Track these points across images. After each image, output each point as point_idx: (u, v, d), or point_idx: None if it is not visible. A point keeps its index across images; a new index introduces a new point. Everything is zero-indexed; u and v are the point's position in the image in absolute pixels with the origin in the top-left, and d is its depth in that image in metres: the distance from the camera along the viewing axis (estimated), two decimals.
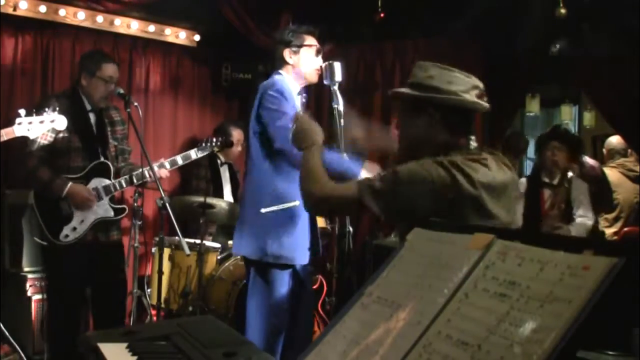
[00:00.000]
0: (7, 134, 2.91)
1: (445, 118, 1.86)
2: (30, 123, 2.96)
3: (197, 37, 5.21)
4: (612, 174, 4.92)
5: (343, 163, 2.77)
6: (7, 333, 3.21)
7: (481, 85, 1.89)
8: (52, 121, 3.03)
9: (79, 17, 4.55)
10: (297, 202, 2.86)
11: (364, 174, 2.73)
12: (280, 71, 3.00)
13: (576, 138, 4.88)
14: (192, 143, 5.21)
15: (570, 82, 5.80)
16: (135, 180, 3.47)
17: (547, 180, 4.31)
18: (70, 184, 3.34)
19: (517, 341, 0.83)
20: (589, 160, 5.03)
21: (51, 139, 3.34)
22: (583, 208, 4.21)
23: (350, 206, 1.96)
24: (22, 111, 2.98)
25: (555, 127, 5.04)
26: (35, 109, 3.41)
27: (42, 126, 3.00)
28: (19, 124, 2.93)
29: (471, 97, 1.85)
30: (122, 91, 3.46)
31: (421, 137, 1.91)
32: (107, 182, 3.46)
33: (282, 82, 2.91)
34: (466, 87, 1.85)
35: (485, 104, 1.89)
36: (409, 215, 1.76)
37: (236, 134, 4.79)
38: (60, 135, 3.35)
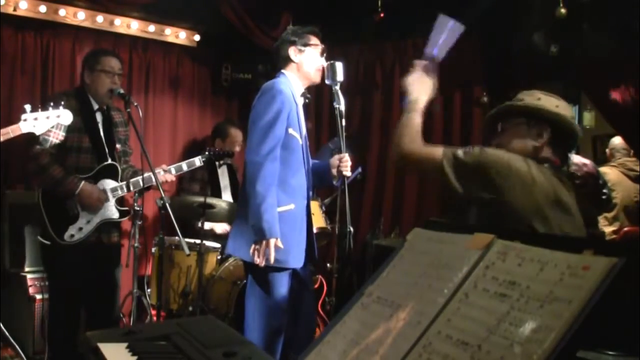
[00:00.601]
0: (14, 130, 2.88)
1: (554, 137, 2.02)
2: (35, 119, 2.92)
3: (197, 37, 5.21)
4: (611, 172, 4.93)
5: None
6: (7, 333, 3.21)
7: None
8: (58, 116, 2.99)
9: (79, 17, 4.55)
10: (293, 206, 2.87)
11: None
12: (283, 71, 3.00)
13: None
14: (192, 143, 5.23)
15: (570, 82, 5.80)
16: (142, 185, 3.47)
17: None
18: (83, 182, 3.34)
19: (517, 341, 0.83)
20: (576, 158, 5.02)
21: (62, 138, 3.33)
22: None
23: (431, 168, 2.04)
24: (27, 106, 2.93)
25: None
26: (43, 106, 3.41)
27: (48, 122, 2.96)
28: (25, 120, 2.89)
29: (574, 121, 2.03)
30: (122, 91, 3.46)
31: (527, 153, 2.02)
32: (114, 184, 3.46)
33: (283, 84, 2.91)
34: (570, 113, 2.04)
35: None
36: (479, 192, 1.90)
37: (234, 134, 4.79)
38: (71, 134, 3.34)
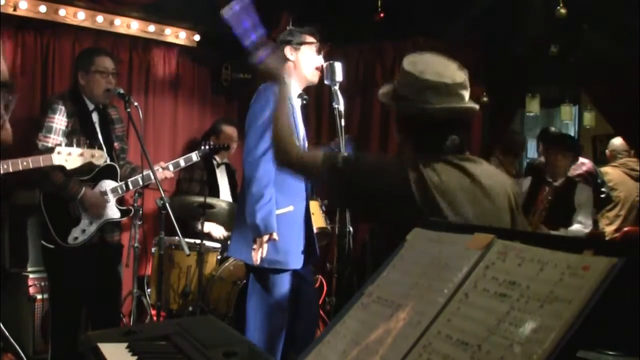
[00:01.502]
0: (45, 160, 2.90)
1: (408, 126, 1.88)
2: (69, 154, 2.95)
3: (197, 37, 5.21)
4: (613, 172, 4.95)
5: None
6: (7, 333, 3.21)
7: (458, 79, 1.82)
8: (92, 156, 3.03)
9: (79, 17, 4.55)
10: (291, 208, 2.87)
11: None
12: None
13: (578, 145, 4.91)
14: (192, 143, 5.22)
15: (570, 82, 5.80)
16: (141, 183, 3.48)
17: (549, 179, 4.31)
18: (84, 189, 3.34)
19: (517, 341, 0.83)
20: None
21: (60, 143, 3.33)
22: (583, 214, 4.21)
23: (312, 174, 2.00)
24: (63, 139, 3.01)
25: (562, 135, 5.00)
26: (41, 111, 3.42)
27: (80, 159, 2.99)
28: (59, 153, 2.93)
29: (446, 103, 1.79)
30: (122, 91, 3.46)
31: (402, 140, 1.94)
32: (114, 184, 3.47)
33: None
34: (443, 92, 1.79)
35: (461, 105, 1.82)
36: (354, 202, 1.85)
37: (227, 130, 4.79)
38: (69, 138, 3.34)
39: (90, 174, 3.41)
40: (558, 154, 4.27)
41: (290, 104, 2.92)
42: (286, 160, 2.01)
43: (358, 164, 1.87)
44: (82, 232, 3.37)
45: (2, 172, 2.80)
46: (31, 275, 3.91)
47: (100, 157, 3.06)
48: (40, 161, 2.88)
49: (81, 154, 2.97)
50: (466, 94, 1.84)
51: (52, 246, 3.34)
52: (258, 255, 2.72)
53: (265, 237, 2.72)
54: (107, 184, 3.45)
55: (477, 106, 1.87)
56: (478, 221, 1.74)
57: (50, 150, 3.29)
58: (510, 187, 1.91)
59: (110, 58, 3.54)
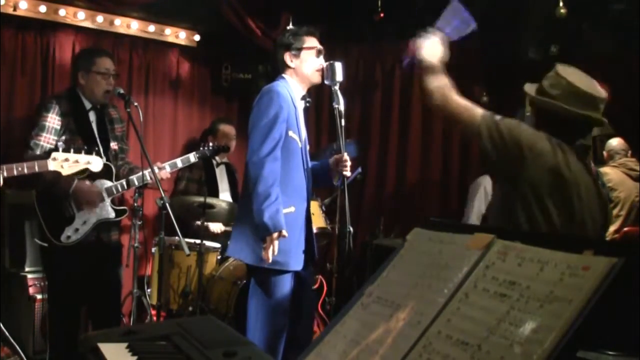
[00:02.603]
0: (41, 166, 2.88)
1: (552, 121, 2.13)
2: (65, 160, 2.91)
3: (197, 37, 5.21)
4: (613, 172, 4.94)
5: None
6: (7, 333, 3.21)
7: (602, 95, 2.12)
8: (88, 162, 2.96)
9: (79, 17, 4.55)
10: (293, 209, 2.87)
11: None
12: (283, 75, 3.01)
13: None
14: (192, 143, 5.22)
15: None
16: (137, 183, 3.47)
17: None
18: (76, 181, 3.33)
19: (517, 341, 0.83)
20: None
21: (54, 142, 3.33)
22: None
23: (469, 124, 2.15)
24: (60, 144, 2.92)
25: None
26: (36, 111, 3.41)
27: (76, 166, 2.92)
28: (54, 159, 2.88)
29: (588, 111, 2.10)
30: (122, 91, 3.46)
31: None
32: (109, 183, 3.46)
33: (281, 86, 2.91)
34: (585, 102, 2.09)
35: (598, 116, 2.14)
36: (506, 161, 2.04)
37: (226, 130, 4.79)
38: (63, 137, 3.34)
39: (84, 173, 3.40)
40: None
41: (294, 105, 2.92)
42: (445, 105, 2.18)
43: (515, 127, 2.08)
44: (75, 231, 3.36)
45: None
46: (31, 275, 3.90)
47: (97, 164, 3.02)
48: (36, 167, 2.86)
49: (76, 161, 2.94)
50: (602, 108, 2.13)
51: (45, 244, 3.35)
52: (270, 253, 2.72)
53: (275, 235, 2.71)
54: (102, 183, 3.44)
55: (606, 120, 2.16)
56: (588, 211, 2.05)
57: (46, 155, 3.29)
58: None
59: (111, 59, 3.54)
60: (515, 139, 2.04)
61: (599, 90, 2.12)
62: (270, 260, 2.73)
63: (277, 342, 2.87)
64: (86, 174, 3.36)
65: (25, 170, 2.83)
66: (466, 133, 2.22)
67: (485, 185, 4.13)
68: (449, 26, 2.34)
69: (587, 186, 2.08)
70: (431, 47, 2.29)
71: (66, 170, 2.92)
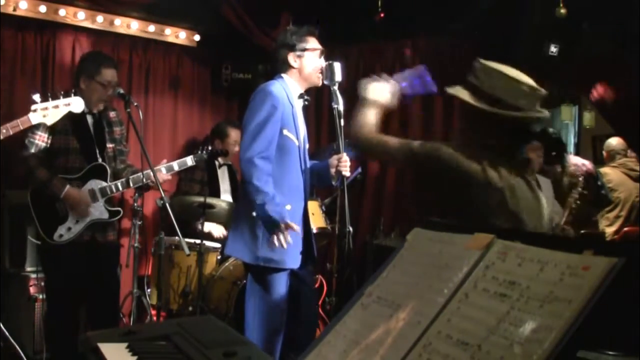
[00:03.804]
0: (23, 122, 2.84)
1: (503, 131, 1.93)
2: (45, 109, 2.87)
3: (197, 37, 5.21)
4: (613, 173, 4.93)
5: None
6: (7, 333, 3.21)
7: (541, 90, 1.92)
8: (68, 104, 2.92)
9: (79, 17, 4.55)
10: (289, 207, 2.87)
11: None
12: (282, 75, 3.00)
13: (554, 139, 4.71)
14: (192, 143, 5.22)
15: (570, 82, 5.79)
16: (132, 184, 3.48)
17: None
18: (67, 187, 3.34)
19: (517, 341, 0.83)
20: (575, 159, 5.00)
21: (48, 141, 3.35)
22: (550, 203, 4.16)
23: (388, 157, 2.16)
24: (36, 97, 2.87)
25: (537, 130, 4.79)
26: (52, 95, 3.38)
27: (58, 111, 2.90)
28: (34, 111, 2.85)
29: (534, 112, 1.90)
30: (122, 91, 3.46)
31: (476, 141, 1.99)
32: (103, 184, 3.46)
33: (276, 86, 2.91)
34: (530, 100, 1.89)
35: (545, 112, 1.93)
36: (428, 187, 2.00)
37: (234, 134, 4.79)
38: (58, 136, 3.35)
39: (79, 172, 3.41)
40: (528, 148, 4.11)
41: (290, 104, 2.93)
42: (363, 140, 2.18)
43: (438, 154, 1.96)
44: (67, 230, 3.36)
45: None
46: (31, 275, 3.91)
47: (79, 104, 2.97)
48: (19, 124, 2.83)
49: (56, 107, 2.90)
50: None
51: (39, 242, 3.37)
52: (284, 241, 2.73)
53: (283, 226, 2.72)
54: (96, 184, 3.44)
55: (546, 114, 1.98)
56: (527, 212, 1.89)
57: (41, 154, 3.30)
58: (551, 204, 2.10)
59: (115, 69, 3.54)
60: (434, 162, 1.96)
61: (536, 85, 1.94)
62: (285, 246, 2.73)
63: (275, 341, 2.87)
64: (82, 172, 3.37)
65: (11, 131, 2.81)
66: (387, 162, 2.24)
67: None
68: (406, 82, 2.35)
69: (521, 189, 1.92)
70: (378, 89, 2.30)
71: (50, 118, 2.89)
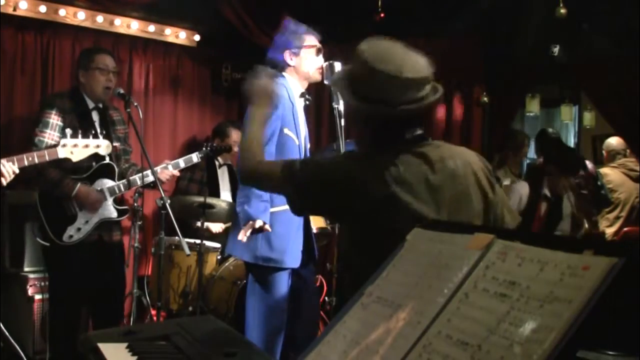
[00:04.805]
0: (50, 154, 2.89)
1: (374, 124, 1.77)
2: (75, 146, 2.93)
3: (197, 37, 5.21)
4: (613, 173, 4.93)
5: None
6: (7, 333, 3.21)
7: (419, 74, 1.69)
8: (97, 146, 3.00)
9: (79, 17, 4.55)
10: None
11: None
12: (283, 74, 3.01)
13: (580, 161, 4.56)
14: (192, 143, 5.22)
15: (570, 82, 5.80)
16: (139, 182, 3.47)
17: (547, 194, 4.12)
18: (79, 185, 3.34)
19: (517, 341, 0.83)
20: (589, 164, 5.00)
21: (58, 139, 3.33)
22: (567, 223, 4.16)
23: (274, 184, 1.93)
24: (68, 131, 2.95)
25: (565, 153, 4.24)
26: (39, 108, 3.40)
27: (86, 150, 2.96)
28: (64, 145, 2.91)
29: (402, 105, 1.67)
30: (122, 91, 3.46)
31: (358, 136, 1.88)
32: (111, 183, 3.46)
33: (277, 84, 2.91)
34: (395, 90, 1.68)
35: (421, 104, 1.70)
36: (314, 209, 1.89)
37: (234, 134, 4.79)
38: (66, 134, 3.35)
39: (87, 172, 3.41)
40: (560, 175, 4.04)
41: (291, 102, 2.93)
42: (249, 169, 1.94)
43: (310, 167, 1.82)
44: (77, 230, 3.36)
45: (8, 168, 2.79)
46: (30, 275, 3.91)
47: (107, 148, 3.04)
48: (46, 155, 2.87)
49: (86, 146, 2.95)
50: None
51: (47, 244, 3.35)
52: (244, 237, 2.74)
53: (258, 223, 2.73)
54: (104, 183, 3.44)
55: (440, 96, 1.76)
56: (449, 205, 1.68)
57: (55, 144, 3.29)
58: (476, 164, 1.80)
59: (111, 56, 3.55)
60: (318, 179, 1.78)
61: (425, 67, 1.71)
62: (244, 240, 2.73)
63: (275, 341, 2.87)
64: (90, 171, 3.38)
65: (36, 160, 2.84)
66: (273, 188, 2.04)
67: (522, 195, 4.04)
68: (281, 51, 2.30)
69: (427, 176, 1.69)
70: (264, 93, 2.08)
71: (76, 156, 2.94)
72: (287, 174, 1.81)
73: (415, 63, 1.70)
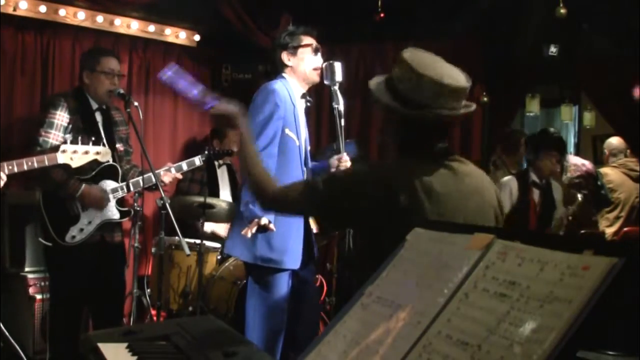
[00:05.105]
0: (50, 159, 2.88)
1: (409, 129, 1.80)
2: (74, 152, 2.93)
3: (197, 37, 5.21)
4: (613, 173, 4.94)
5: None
6: (7, 333, 3.21)
7: (461, 84, 1.74)
8: (97, 153, 3.00)
9: (79, 17, 4.55)
10: None
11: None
12: (283, 74, 3.01)
13: (564, 143, 4.63)
14: (192, 143, 5.22)
15: (570, 82, 5.80)
16: (142, 184, 3.47)
17: (536, 180, 4.11)
18: (84, 185, 3.34)
19: (517, 341, 0.83)
20: (575, 159, 4.99)
21: (62, 140, 3.32)
22: (562, 211, 4.17)
23: (298, 209, 1.95)
24: (68, 136, 2.97)
25: (554, 136, 4.40)
26: (43, 108, 3.39)
27: (86, 157, 2.96)
28: (63, 151, 2.90)
29: (442, 110, 1.72)
30: (122, 91, 3.46)
31: (388, 141, 1.90)
32: (115, 184, 3.46)
33: (279, 85, 2.91)
34: (437, 96, 1.71)
35: (457, 112, 1.75)
36: (343, 225, 1.83)
37: (232, 134, 4.78)
38: (69, 136, 3.34)
39: (91, 173, 3.40)
40: (553, 158, 4.09)
41: (292, 103, 2.93)
42: (268, 200, 1.95)
43: (336, 183, 1.83)
44: (80, 231, 3.36)
45: (7, 172, 2.79)
46: (30, 275, 3.90)
47: (106, 154, 3.04)
48: (45, 160, 2.87)
49: (86, 152, 2.95)
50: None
51: (50, 244, 3.34)
52: (252, 230, 2.73)
53: (264, 221, 2.72)
54: (108, 184, 3.44)
55: (474, 109, 1.83)
56: (472, 219, 1.72)
57: (55, 148, 3.29)
58: (493, 185, 1.92)
59: (116, 59, 3.54)
60: (335, 195, 1.79)
61: (462, 77, 1.77)
62: (249, 235, 2.73)
63: (275, 342, 2.87)
64: (94, 172, 3.38)
65: (36, 164, 2.84)
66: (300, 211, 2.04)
67: (511, 187, 4.08)
68: (193, 89, 2.25)
69: (457, 189, 1.74)
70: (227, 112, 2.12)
71: (76, 162, 2.94)
72: (309, 196, 1.83)
73: (456, 74, 1.77)
